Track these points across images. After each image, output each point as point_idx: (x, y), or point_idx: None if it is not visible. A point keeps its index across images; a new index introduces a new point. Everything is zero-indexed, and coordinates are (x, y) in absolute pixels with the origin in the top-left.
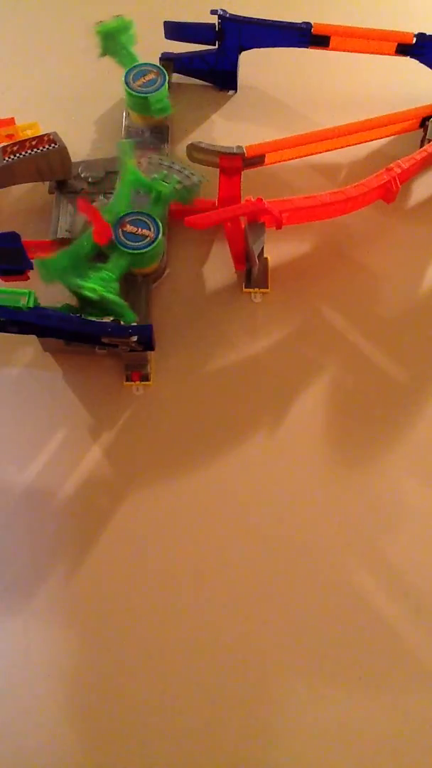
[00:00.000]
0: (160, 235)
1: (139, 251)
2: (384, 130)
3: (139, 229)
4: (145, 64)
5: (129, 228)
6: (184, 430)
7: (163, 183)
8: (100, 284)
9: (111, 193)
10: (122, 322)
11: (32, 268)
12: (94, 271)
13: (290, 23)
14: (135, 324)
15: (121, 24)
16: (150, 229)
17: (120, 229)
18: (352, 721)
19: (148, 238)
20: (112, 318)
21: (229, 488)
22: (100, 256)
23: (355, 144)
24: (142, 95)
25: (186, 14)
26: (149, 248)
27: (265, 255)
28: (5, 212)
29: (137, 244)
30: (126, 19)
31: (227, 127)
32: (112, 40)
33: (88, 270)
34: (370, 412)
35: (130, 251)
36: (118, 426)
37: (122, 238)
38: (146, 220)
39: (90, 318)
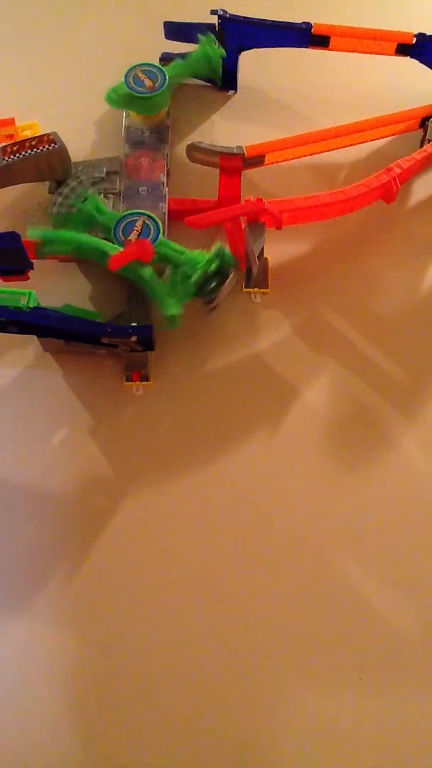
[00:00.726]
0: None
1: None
2: (384, 131)
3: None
4: (144, 64)
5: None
6: (184, 430)
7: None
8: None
9: (111, 193)
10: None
11: (32, 268)
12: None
13: (290, 23)
14: (135, 324)
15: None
16: (150, 232)
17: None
18: (352, 722)
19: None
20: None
21: (229, 488)
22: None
23: (355, 144)
24: (146, 95)
25: (186, 14)
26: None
27: (265, 255)
28: (5, 212)
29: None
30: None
31: (227, 127)
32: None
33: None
34: (370, 412)
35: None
36: (118, 426)
37: (120, 233)
38: (148, 222)
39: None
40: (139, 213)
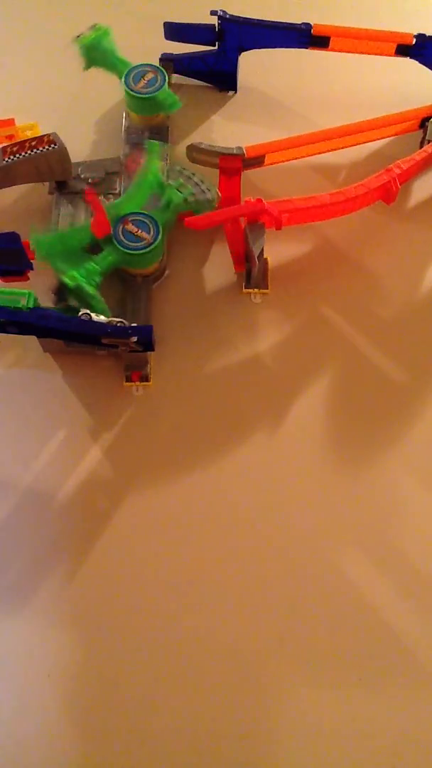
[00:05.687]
0: (157, 241)
1: (131, 252)
2: (384, 131)
3: (139, 230)
4: (142, 65)
5: (130, 227)
6: (183, 431)
7: (177, 191)
8: (82, 273)
9: (111, 193)
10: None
11: (32, 269)
12: (84, 261)
13: (290, 24)
14: (135, 324)
15: (100, 32)
16: (149, 233)
17: (121, 226)
18: (352, 722)
19: (145, 242)
20: (83, 312)
21: (229, 488)
22: (96, 248)
23: (355, 144)
24: (148, 96)
25: (186, 15)
26: (142, 251)
27: (264, 256)
28: (5, 212)
29: (133, 244)
30: (102, 26)
31: (227, 128)
32: (96, 51)
33: (80, 259)
34: (370, 411)
35: (124, 250)
36: (118, 426)
37: (121, 235)
38: (148, 222)
39: (61, 309)
40: (144, 214)
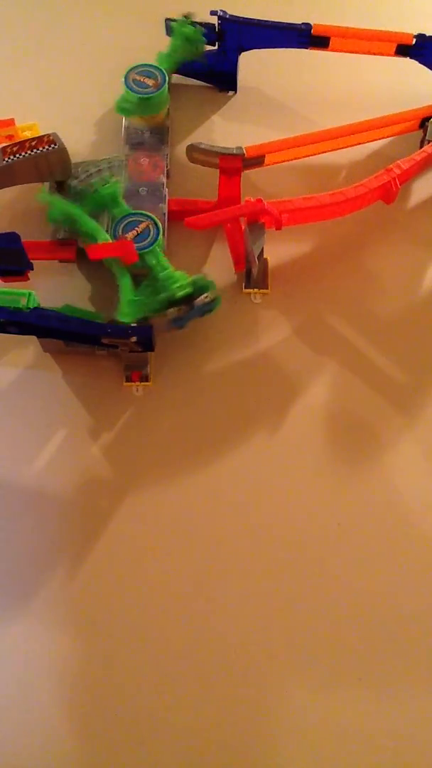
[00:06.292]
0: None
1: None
2: (384, 131)
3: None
4: (143, 65)
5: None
6: (183, 431)
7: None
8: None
9: None
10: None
11: (32, 269)
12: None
13: (290, 24)
14: (135, 324)
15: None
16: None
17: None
18: (352, 722)
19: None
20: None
21: (229, 488)
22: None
23: (355, 145)
24: (149, 96)
25: None
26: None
27: (264, 256)
28: (5, 212)
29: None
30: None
31: (227, 128)
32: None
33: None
34: (370, 411)
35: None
36: (118, 426)
37: (120, 230)
38: (151, 227)
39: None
40: (146, 216)
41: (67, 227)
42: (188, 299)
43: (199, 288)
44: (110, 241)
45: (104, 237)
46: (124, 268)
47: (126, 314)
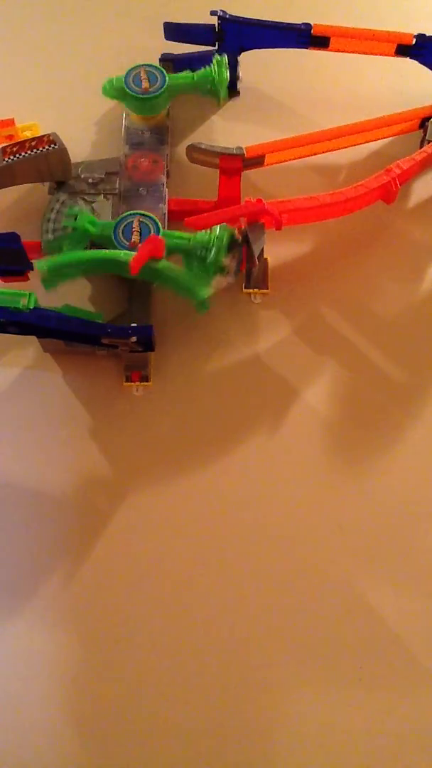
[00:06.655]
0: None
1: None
2: (384, 131)
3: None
4: (142, 65)
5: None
6: (183, 431)
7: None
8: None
9: (111, 194)
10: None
11: (32, 269)
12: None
13: (290, 24)
14: (135, 324)
15: None
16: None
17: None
18: (352, 722)
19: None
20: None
21: (229, 488)
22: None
23: (355, 144)
24: (148, 96)
25: (186, 15)
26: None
27: (264, 255)
28: (5, 213)
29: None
30: None
31: (227, 128)
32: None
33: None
34: (370, 412)
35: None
36: (117, 426)
37: (121, 237)
38: (144, 221)
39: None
40: (132, 213)
41: (80, 275)
42: (230, 246)
43: (231, 232)
44: (130, 252)
45: (127, 253)
46: (159, 264)
47: (201, 290)
